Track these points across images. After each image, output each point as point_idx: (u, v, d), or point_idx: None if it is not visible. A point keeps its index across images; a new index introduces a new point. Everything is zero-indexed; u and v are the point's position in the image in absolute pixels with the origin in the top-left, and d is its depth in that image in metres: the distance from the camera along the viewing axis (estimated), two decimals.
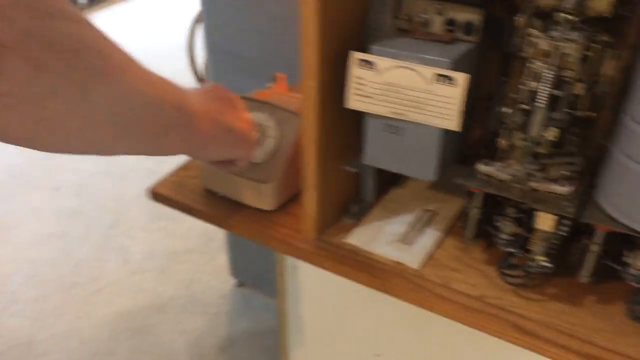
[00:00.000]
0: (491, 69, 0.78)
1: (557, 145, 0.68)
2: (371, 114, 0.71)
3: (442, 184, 0.96)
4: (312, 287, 1.01)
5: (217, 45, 1.44)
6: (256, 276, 1.96)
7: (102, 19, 4.43)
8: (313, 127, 0.73)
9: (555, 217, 0.64)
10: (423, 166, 0.71)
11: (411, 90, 0.66)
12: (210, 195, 0.93)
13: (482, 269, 0.79)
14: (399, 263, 0.80)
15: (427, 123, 0.67)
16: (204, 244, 2.26)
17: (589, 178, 0.70)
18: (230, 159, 0.75)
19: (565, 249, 0.73)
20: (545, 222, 0.65)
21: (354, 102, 0.70)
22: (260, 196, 0.88)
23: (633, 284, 0.67)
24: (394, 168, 0.74)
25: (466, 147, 0.80)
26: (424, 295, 0.76)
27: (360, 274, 0.80)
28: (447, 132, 0.69)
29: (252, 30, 1.37)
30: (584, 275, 0.71)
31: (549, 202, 0.65)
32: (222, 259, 2.15)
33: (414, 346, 0.91)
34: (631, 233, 0.62)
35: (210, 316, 1.97)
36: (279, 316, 1.14)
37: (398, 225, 0.86)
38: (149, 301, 2.01)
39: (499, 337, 0.72)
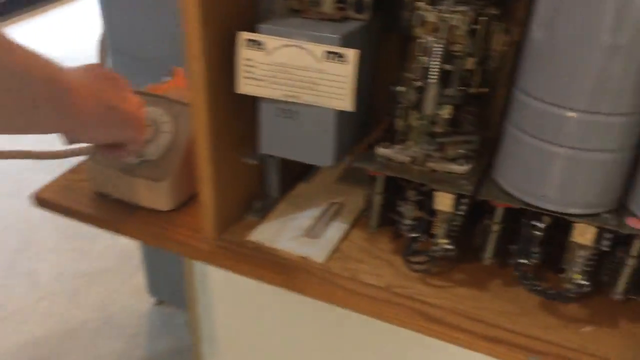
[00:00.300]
0: (394, 54, 0.76)
1: (453, 124, 0.66)
2: (263, 98, 0.67)
3: (350, 176, 0.93)
4: (223, 293, 0.95)
5: (120, 48, 1.37)
6: (176, 293, 1.86)
7: (18, 31, 4.20)
8: (203, 115, 0.68)
9: (453, 196, 0.62)
10: (320, 152, 0.68)
11: (302, 70, 0.63)
12: (102, 198, 0.86)
13: (388, 259, 0.77)
14: (304, 258, 0.76)
15: (320, 104, 0.64)
16: (121, 262, 2.14)
17: (488, 157, 0.69)
18: (117, 142, 0.71)
19: (470, 232, 0.72)
20: (443, 202, 0.63)
21: (244, 86, 0.66)
22: (156, 195, 0.82)
23: (406, 233, 0.68)
24: (291, 155, 0.71)
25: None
26: (329, 289, 0.72)
27: (263, 271, 0.75)
28: (343, 115, 0.66)
29: (157, 32, 1.31)
30: (487, 257, 0.69)
31: (447, 182, 0.64)
32: (140, 278, 2.04)
33: (334, 345, 0.87)
34: (528, 208, 0.61)
35: (128, 338, 1.85)
36: (190, 328, 1.08)
37: (304, 219, 0.83)
38: (60, 327, 1.87)
39: (407, 327, 0.69)
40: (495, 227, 0.67)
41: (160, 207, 0.82)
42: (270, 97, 0.66)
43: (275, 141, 0.70)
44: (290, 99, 0.65)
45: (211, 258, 0.78)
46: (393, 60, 0.77)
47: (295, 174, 0.94)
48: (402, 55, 0.72)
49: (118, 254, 2.17)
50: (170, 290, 1.89)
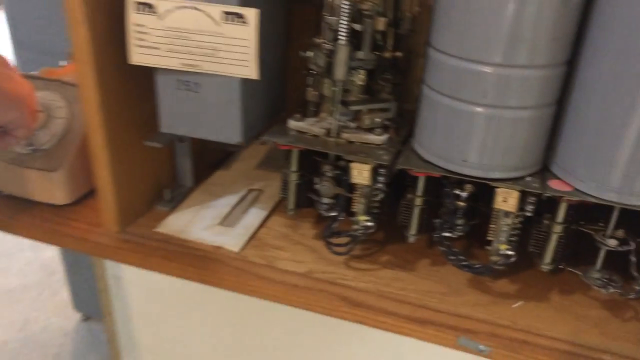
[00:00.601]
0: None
1: (369, 92, 0.62)
2: (160, 68, 0.61)
3: (271, 162, 0.87)
4: (139, 296, 0.87)
5: (23, 42, 1.26)
6: None
7: None
8: (92, 92, 0.61)
9: (370, 168, 0.57)
10: (228, 127, 0.62)
11: (200, 35, 0.57)
12: None
13: (310, 245, 0.71)
14: (218, 247, 0.69)
15: (223, 73, 0.58)
16: (43, 278, 1.99)
17: (409, 129, 0.65)
18: (0, 125, 0.62)
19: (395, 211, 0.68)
20: (361, 174, 0.58)
21: (137, 55, 0.60)
22: (50, 188, 0.73)
23: (323, 212, 0.64)
24: (196, 133, 0.64)
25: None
26: (245, 279, 0.66)
27: (173, 264, 0.68)
28: (251, 85, 0.60)
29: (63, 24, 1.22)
30: (411, 234, 0.65)
31: (363, 153, 0.59)
32: (64, 294, 1.90)
33: (264, 339, 0.80)
34: (449, 175, 0.57)
35: (51, 357, 1.72)
36: (108, 340, 0.99)
37: (219, 208, 0.76)
38: None
39: (330, 315, 0.64)
40: (418, 201, 0.63)
41: (55, 201, 0.74)
42: (167, 68, 0.60)
43: (177, 118, 0.63)
44: (189, 69, 0.59)
45: (114, 253, 0.70)
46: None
47: (213, 160, 0.88)
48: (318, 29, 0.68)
49: (40, 270, 2.02)
50: (96, 304, 1.77)
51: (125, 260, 0.70)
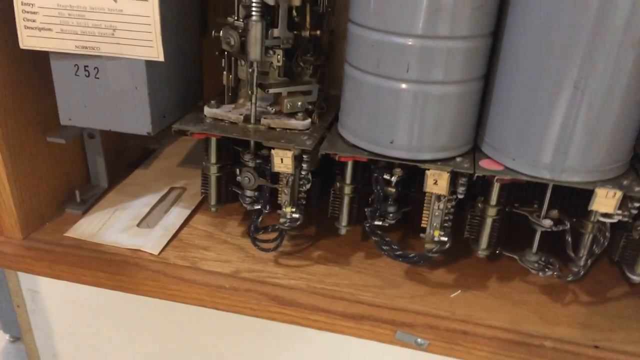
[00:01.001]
0: None
1: (289, 76, 0.57)
2: (54, 53, 0.54)
3: (195, 158, 0.82)
4: (59, 310, 0.79)
5: None
6: None
7: None
8: None
9: (292, 154, 0.53)
10: (135, 117, 0.56)
11: (97, 13, 0.51)
12: None
13: (237, 243, 0.66)
14: (135, 251, 0.64)
15: (124, 55, 0.53)
16: None
17: (335, 113, 0.61)
18: None
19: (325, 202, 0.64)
20: (283, 161, 0.54)
21: (27, 39, 0.53)
22: None
23: (247, 206, 0.61)
24: (100, 124, 0.58)
25: None
26: (165, 283, 0.60)
27: (83, 271, 0.62)
28: (158, 68, 0.55)
29: None
30: (343, 226, 0.61)
31: (285, 139, 0.55)
32: None
33: (194, 346, 0.74)
34: (376, 158, 0.53)
35: None
36: (28, 359, 0.91)
37: (138, 208, 0.70)
38: None
39: (259, 316, 0.59)
40: (347, 189, 0.59)
41: None
42: (63, 51, 0.54)
43: (77, 108, 0.57)
44: (87, 52, 0.53)
45: (16, 262, 0.63)
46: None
47: (133, 159, 0.82)
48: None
49: None
50: None
51: (29, 270, 0.63)
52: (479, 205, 0.57)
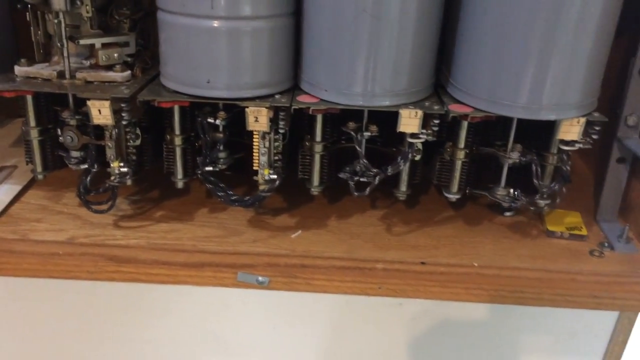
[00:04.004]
0: None
1: (104, 29, 0.56)
2: None
3: None
4: None
5: None
6: None
7: None
8: None
9: (109, 104, 0.52)
10: None
11: None
12: None
13: (75, 212, 0.64)
14: None
15: None
16: None
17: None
18: None
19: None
20: (100, 112, 0.53)
21: None
22: None
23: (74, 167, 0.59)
24: None
25: None
26: None
27: None
28: None
29: None
30: (178, 179, 0.61)
31: (101, 90, 0.53)
32: None
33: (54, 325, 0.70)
34: (194, 100, 0.54)
35: None
36: None
37: None
38: None
39: (97, 279, 0.57)
40: (178, 140, 0.59)
41: None
42: None
43: None
44: None
45: None
46: None
47: None
48: None
49: None
50: None
51: None
52: (448, 149, 0.59)
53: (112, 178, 0.57)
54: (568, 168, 0.56)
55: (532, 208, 0.60)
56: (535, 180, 0.56)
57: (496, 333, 0.76)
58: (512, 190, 0.59)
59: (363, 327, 0.75)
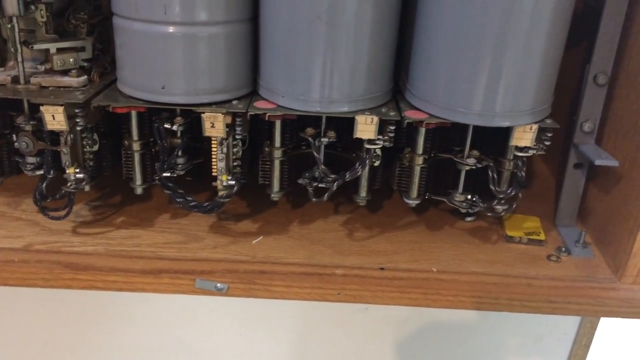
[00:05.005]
0: None
1: (60, 33, 0.56)
2: None
3: None
4: None
5: None
6: None
7: None
8: None
9: (62, 109, 0.52)
10: None
11: None
12: None
13: (32, 219, 0.63)
14: None
15: None
16: None
17: None
18: None
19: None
20: (54, 118, 0.52)
21: None
22: None
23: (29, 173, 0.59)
24: None
25: None
26: None
27: None
28: None
29: None
30: (137, 185, 0.61)
31: (55, 95, 0.53)
32: None
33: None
34: (149, 106, 0.53)
35: None
36: None
37: None
38: None
39: (53, 286, 0.57)
40: (136, 146, 0.59)
41: None
42: None
43: None
44: None
45: None
46: None
47: None
48: None
49: None
50: None
51: None
52: (407, 155, 0.59)
53: (69, 184, 0.56)
54: (523, 174, 0.56)
55: (489, 214, 0.60)
56: (491, 186, 0.57)
57: (462, 338, 0.77)
58: (469, 196, 0.59)
59: (330, 332, 0.75)
